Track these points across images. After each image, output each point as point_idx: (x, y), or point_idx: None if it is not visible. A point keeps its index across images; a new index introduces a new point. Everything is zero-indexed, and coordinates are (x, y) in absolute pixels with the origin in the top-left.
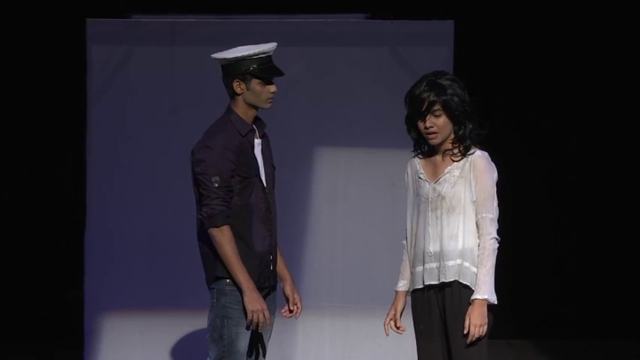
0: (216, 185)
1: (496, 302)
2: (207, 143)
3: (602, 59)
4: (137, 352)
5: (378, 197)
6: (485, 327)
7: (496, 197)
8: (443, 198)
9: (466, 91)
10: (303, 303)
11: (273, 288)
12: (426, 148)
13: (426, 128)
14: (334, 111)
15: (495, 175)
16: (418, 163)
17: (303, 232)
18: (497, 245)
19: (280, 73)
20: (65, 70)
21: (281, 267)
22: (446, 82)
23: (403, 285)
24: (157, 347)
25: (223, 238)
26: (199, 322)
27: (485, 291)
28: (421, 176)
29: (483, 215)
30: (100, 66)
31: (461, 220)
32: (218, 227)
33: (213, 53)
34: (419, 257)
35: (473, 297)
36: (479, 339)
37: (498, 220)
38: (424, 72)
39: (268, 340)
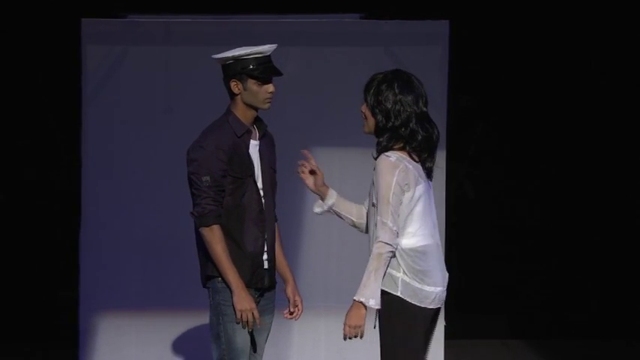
0: (207, 185)
1: (376, 307)
2: (201, 143)
3: (598, 58)
4: (132, 352)
5: None
6: (359, 329)
7: (391, 202)
8: (369, 195)
9: (395, 90)
10: None
11: (269, 288)
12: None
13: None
14: (328, 111)
15: (394, 179)
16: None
17: (298, 232)
18: (387, 249)
19: (278, 73)
20: (60, 70)
21: (283, 269)
22: (372, 79)
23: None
24: (151, 347)
25: (213, 237)
26: (194, 321)
27: (362, 293)
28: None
29: (377, 218)
30: (95, 66)
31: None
32: (208, 226)
33: (207, 53)
34: None
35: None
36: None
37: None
38: (419, 72)
39: (265, 341)
